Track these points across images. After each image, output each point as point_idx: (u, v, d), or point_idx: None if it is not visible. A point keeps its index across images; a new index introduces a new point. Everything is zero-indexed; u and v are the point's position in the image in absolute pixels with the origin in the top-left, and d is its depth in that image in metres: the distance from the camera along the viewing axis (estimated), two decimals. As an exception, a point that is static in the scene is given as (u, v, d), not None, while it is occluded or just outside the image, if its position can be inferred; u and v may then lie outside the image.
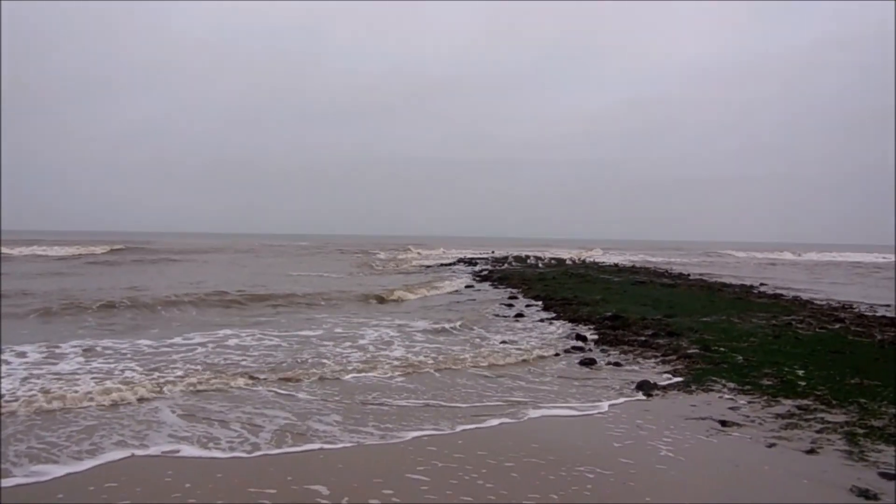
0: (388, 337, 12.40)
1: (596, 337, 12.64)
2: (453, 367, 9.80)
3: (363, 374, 9.11)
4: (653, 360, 10.51)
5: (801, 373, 8.96)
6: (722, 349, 10.77)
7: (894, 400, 7.39)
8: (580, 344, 11.85)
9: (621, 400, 7.91)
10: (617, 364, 10.21)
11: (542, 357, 10.69)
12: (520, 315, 16.12)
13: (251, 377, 8.65)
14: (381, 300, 19.69)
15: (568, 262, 43.11)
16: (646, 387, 8.49)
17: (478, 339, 12.41)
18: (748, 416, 6.98)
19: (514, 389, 8.42)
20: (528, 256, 48.20)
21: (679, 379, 9.05)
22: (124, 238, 79.62)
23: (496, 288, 24.21)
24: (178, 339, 11.53)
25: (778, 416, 6.99)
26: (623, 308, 16.71)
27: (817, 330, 13.50)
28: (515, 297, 20.43)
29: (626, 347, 11.65)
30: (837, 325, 14.38)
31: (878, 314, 16.97)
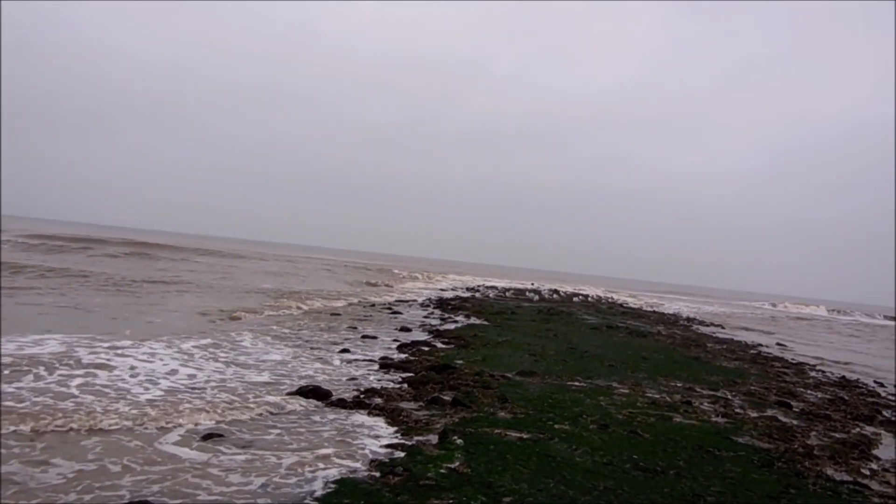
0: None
1: (355, 392, 8.32)
2: None
3: None
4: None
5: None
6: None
7: None
8: (301, 406, 7.58)
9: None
10: (249, 449, 5.89)
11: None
12: (346, 350, 11.92)
13: None
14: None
15: (576, 299, 38.06)
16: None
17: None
18: None
19: None
20: (539, 291, 43.40)
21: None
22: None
23: (428, 316, 19.85)
24: None
25: None
26: (494, 355, 12.26)
27: (715, 419, 8.64)
28: (408, 330, 16.14)
29: (371, 411, 7.37)
30: (770, 412, 9.46)
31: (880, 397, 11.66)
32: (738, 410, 9.40)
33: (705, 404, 9.58)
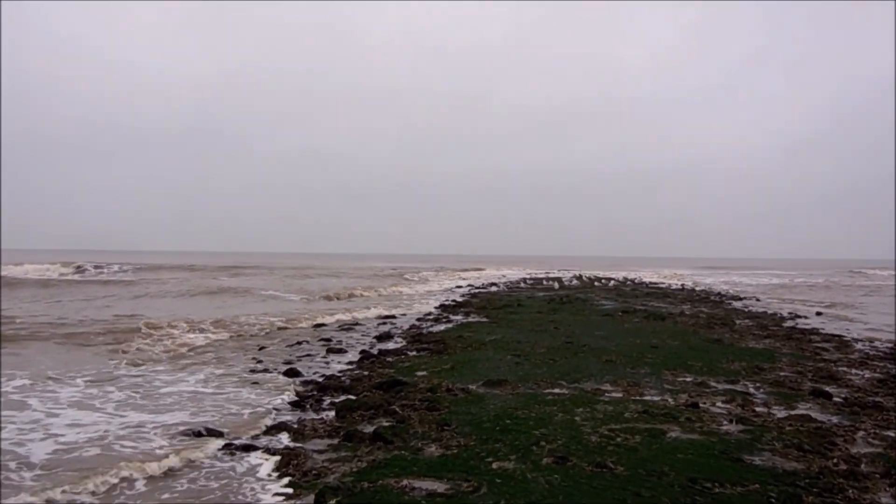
0: None
1: (258, 430, 6.47)
2: None
3: None
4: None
5: None
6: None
7: None
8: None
9: None
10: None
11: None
12: (292, 371, 10.10)
13: None
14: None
15: (598, 283, 35.83)
16: None
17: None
18: None
19: None
20: (560, 278, 41.21)
21: None
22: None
23: (422, 319, 17.97)
24: None
25: None
26: (468, 360, 10.40)
27: (727, 426, 6.59)
28: (389, 337, 14.32)
29: (264, 456, 5.51)
30: (802, 407, 7.37)
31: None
32: (759, 410, 7.33)
33: (718, 405, 7.52)
